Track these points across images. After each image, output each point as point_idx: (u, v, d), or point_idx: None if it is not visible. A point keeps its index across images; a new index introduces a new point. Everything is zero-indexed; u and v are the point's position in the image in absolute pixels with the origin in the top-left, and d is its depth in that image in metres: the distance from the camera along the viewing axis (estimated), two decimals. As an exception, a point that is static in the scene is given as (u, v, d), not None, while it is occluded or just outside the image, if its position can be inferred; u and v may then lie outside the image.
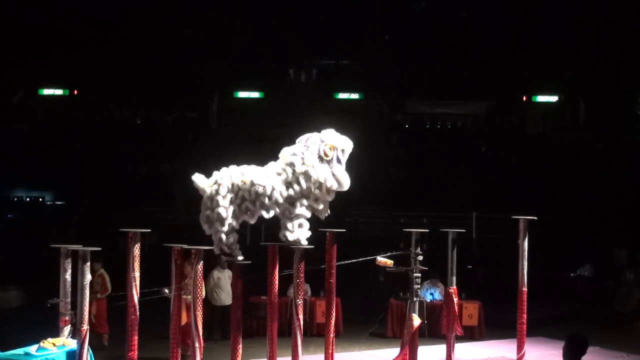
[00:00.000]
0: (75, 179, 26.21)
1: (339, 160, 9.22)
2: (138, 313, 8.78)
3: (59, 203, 26.76)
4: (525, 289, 10.79)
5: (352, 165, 9.42)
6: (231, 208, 8.93)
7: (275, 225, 9.50)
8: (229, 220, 8.92)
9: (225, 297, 13.72)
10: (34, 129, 30.06)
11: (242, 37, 32.49)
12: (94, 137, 29.16)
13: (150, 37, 31.23)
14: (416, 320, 10.36)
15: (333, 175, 9.11)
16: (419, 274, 10.51)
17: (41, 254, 18.96)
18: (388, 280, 15.35)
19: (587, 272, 20.00)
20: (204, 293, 11.38)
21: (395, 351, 10.94)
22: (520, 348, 10.88)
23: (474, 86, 32.60)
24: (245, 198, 8.95)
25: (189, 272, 9.36)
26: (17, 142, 28.62)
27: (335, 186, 9.11)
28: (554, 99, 33.45)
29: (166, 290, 9.95)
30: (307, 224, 9.05)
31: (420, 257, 10.44)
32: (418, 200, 24.59)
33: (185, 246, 9.13)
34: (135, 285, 8.76)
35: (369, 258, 10.66)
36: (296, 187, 8.96)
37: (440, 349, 11.78)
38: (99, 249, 8.96)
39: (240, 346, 9.10)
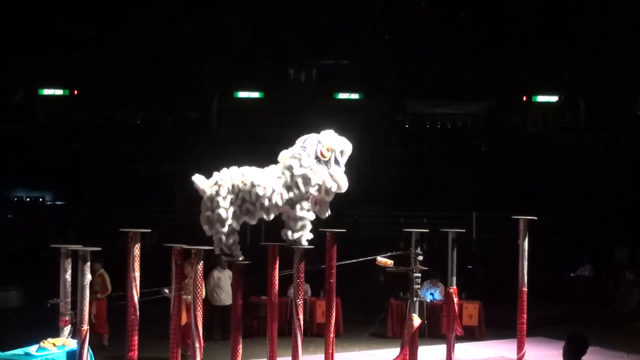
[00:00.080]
0: (75, 179, 26.20)
1: (337, 162, 9.22)
2: (138, 313, 8.78)
3: (59, 203, 26.76)
4: (525, 289, 10.79)
5: (352, 165, 9.43)
6: (231, 209, 8.92)
7: (276, 226, 9.51)
8: (229, 222, 8.91)
9: (226, 297, 13.72)
10: (34, 129, 30.05)
11: (242, 37, 32.49)
12: (94, 137, 29.15)
13: (150, 37, 31.23)
14: (416, 320, 10.36)
15: (331, 176, 9.12)
16: (419, 274, 10.52)
17: (41, 254, 18.97)
18: (388, 280, 15.35)
19: (587, 272, 20.00)
20: (204, 293, 11.38)
21: (395, 351, 10.94)
22: (520, 348, 10.89)
23: (474, 86, 32.60)
24: (246, 199, 8.94)
25: (189, 272, 9.35)
26: (17, 142, 28.61)
27: (333, 188, 9.11)
28: (554, 99, 33.45)
29: (166, 290, 9.94)
30: (310, 226, 9.07)
31: (420, 257, 10.45)
32: (418, 200, 24.58)
33: (185, 246, 9.13)
34: (136, 285, 8.76)
35: (369, 258, 10.67)
36: (295, 190, 8.97)
37: (441, 349, 11.78)
38: (99, 249, 8.96)
39: (241, 346, 9.10)
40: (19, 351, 9.04)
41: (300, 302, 9.11)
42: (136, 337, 8.80)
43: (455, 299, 10.92)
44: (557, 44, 30.96)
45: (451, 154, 28.24)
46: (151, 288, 9.62)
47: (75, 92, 32.53)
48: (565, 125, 32.37)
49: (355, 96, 33.02)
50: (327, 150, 9.16)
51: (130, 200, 24.49)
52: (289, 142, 9.36)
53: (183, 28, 32.15)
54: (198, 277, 8.88)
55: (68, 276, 8.85)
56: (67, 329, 8.98)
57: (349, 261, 10.51)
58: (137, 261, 8.76)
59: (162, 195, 24.71)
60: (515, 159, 28.43)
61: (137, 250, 8.75)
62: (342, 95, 33.02)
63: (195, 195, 9.18)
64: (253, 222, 9.17)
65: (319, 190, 9.05)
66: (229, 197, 8.92)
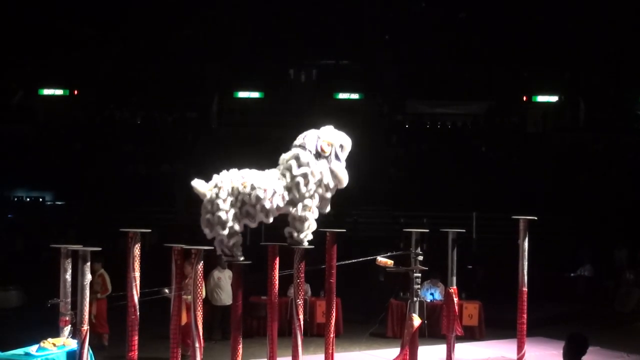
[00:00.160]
0: (75, 179, 26.21)
1: (337, 157, 9.23)
2: (138, 313, 8.77)
3: (59, 203, 26.76)
4: (525, 289, 10.79)
5: (352, 165, 9.42)
6: (232, 211, 8.91)
7: (276, 226, 9.51)
8: (230, 224, 8.91)
9: (226, 297, 13.72)
10: (34, 129, 30.05)
11: (242, 37, 32.50)
12: (94, 137, 29.16)
13: (150, 37, 31.23)
14: (416, 320, 10.36)
15: (331, 171, 9.12)
16: (419, 274, 10.52)
17: (41, 254, 18.97)
18: (388, 280, 15.35)
19: (587, 272, 20.00)
20: (204, 293, 11.38)
21: (395, 351, 10.94)
22: (520, 348, 10.89)
23: (474, 86, 32.61)
24: (246, 202, 8.93)
25: (189, 272, 9.35)
26: (17, 142, 28.61)
27: (331, 184, 9.11)
28: (554, 99, 33.46)
29: (166, 290, 9.94)
30: (314, 226, 9.07)
31: (421, 257, 10.45)
32: (418, 200, 24.58)
33: (185, 246, 9.13)
34: (136, 285, 8.75)
35: (369, 258, 10.66)
36: (296, 191, 8.96)
37: (441, 349, 11.78)
38: (99, 249, 8.96)
39: (241, 346, 9.10)
40: (19, 351, 9.04)
41: (300, 302, 9.12)
42: (136, 337, 8.80)
43: (456, 299, 10.92)
44: (557, 44, 30.96)
45: (451, 154, 28.24)
46: (151, 288, 9.62)
47: (75, 92, 32.54)
48: (565, 125, 32.38)
49: (355, 96, 33.02)
50: (328, 145, 9.16)
51: (130, 200, 24.50)
52: (289, 142, 9.36)
53: (183, 28, 32.16)
54: (198, 277, 8.88)
55: (68, 276, 8.85)
56: (67, 329, 8.98)
57: (349, 261, 10.50)
58: (137, 261, 8.76)
59: (162, 195, 24.72)
60: (515, 159, 28.44)
61: (137, 250, 8.75)
62: (342, 95, 33.03)
63: (195, 195, 9.18)
64: (253, 225, 9.16)
65: (320, 185, 9.05)
66: (229, 199, 8.91)
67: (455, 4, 32.48)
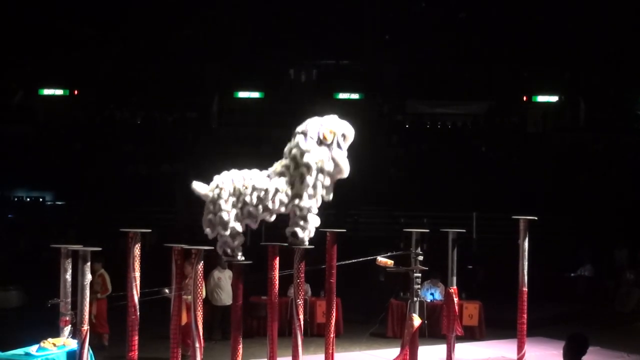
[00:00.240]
0: (75, 179, 26.19)
1: (339, 146, 9.20)
2: (138, 313, 8.78)
3: (59, 203, 26.75)
4: (525, 289, 10.80)
5: (352, 165, 9.41)
6: (234, 211, 8.92)
7: (276, 226, 9.51)
8: (232, 224, 8.91)
9: (226, 297, 13.72)
10: (34, 129, 30.04)
11: (242, 37, 32.49)
12: (94, 137, 29.15)
13: (150, 37, 31.22)
14: (416, 320, 10.37)
15: (332, 159, 9.09)
16: (419, 274, 10.53)
17: (41, 254, 18.96)
18: (388, 280, 15.35)
19: (588, 272, 20.00)
20: (204, 293, 11.37)
21: (395, 351, 10.94)
22: (520, 348, 10.89)
23: (474, 86, 32.58)
24: (247, 203, 8.93)
25: (189, 272, 9.36)
26: (17, 142, 28.59)
27: (335, 170, 9.07)
28: (554, 99, 33.43)
29: (166, 290, 9.95)
30: (317, 220, 9.04)
31: (421, 257, 10.45)
32: (418, 200, 24.57)
33: (185, 246, 9.14)
34: (136, 285, 8.76)
35: (369, 258, 10.66)
36: (300, 182, 8.93)
37: (441, 349, 11.79)
38: (99, 249, 8.96)
39: (241, 346, 9.11)
40: (19, 351, 9.04)
41: (300, 302, 9.12)
42: (136, 337, 8.80)
43: (456, 299, 10.93)
44: (557, 44, 30.95)
45: (451, 154, 28.23)
46: (151, 288, 9.63)
47: (76, 92, 32.51)
48: (565, 125, 32.35)
49: (355, 96, 32.99)
50: (330, 133, 9.13)
51: (130, 200, 24.49)
52: (289, 142, 9.34)
53: (183, 28, 32.14)
54: (198, 277, 8.89)
55: (68, 276, 8.86)
56: (68, 329, 8.99)
57: (349, 261, 10.50)
58: (137, 261, 8.77)
59: (162, 195, 24.71)
60: (515, 159, 28.43)
61: (137, 250, 8.75)
62: (342, 95, 33.00)
63: (196, 196, 9.18)
64: (255, 225, 9.16)
65: (321, 172, 9.01)
66: (231, 199, 8.92)
67: (455, 4, 32.47)
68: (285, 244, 9.26)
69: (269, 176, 9.10)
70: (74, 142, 28.99)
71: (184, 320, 10.04)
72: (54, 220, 24.07)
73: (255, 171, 9.15)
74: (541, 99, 33.35)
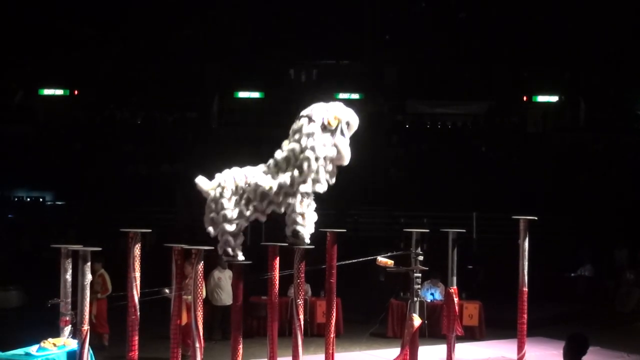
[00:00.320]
0: (76, 179, 26.19)
1: (342, 133, 9.18)
2: (138, 313, 8.78)
3: (59, 203, 26.74)
4: (525, 289, 10.80)
5: (352, 164, 9.41)
6: (236, 210, 8.92)
7: (277, 225, 9.50)
8: (235, 222, 8.90)
9: (226, 297, 13.72)
10: (34, 129, 30.04)
11: (242, 37, 32.49)
12: (94, 137, 29.14)
13: (150, 37, 31.22)
14: (417, 320, 10.37)
15: (335, 146, 9.06)
16: (420, 274, 10.53)
17: (42, 254, 18.96)
18: (388, 280, 15.35)
19: (588, 272, 20.00)
20: (204, 293, 11.37)
21: (395, 351, 10.95)
22: (520, 348, 10.89)
23: (474, 86, 32.59)
24: (251, 199, 8.93)
25: (189, 272, 9.36)
26: (17, 142, 28.60)
27: (336, 157, 9.05)
28: (554, 99, 33.44)
29: (167, 291, 9.95)
30: (314, 216, 9.03)
31: (421, 257, 10.45)
32: (418, 200, 24.56)
33: (185, 246, 9.14)
34: (136, 285, 8.76)
35: (369, 258, 10.66)
36: (306, 166, 8.87)
37: (441, 349, 11.78)
38: (100, 249, 8.95)
39: (241, 346, 9.11)
40: (20, 351, 9.04)
41: (300, 302, 9.12)
42: (136, 337, 8.80)
43: (456, 299, 10.93)
44: (557, 44, 30.95)
45: (451, 154, 28.22)
46: (151, 288, 9.63)
47: (76, 92, 32.53)
48: (565, 125, 32.35)
49: (355, 96, 32.99)
50: (334, 119, 9.10)
51: (130, 200, 24.47)
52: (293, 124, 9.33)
53: (183, 28, 32.15)
54: (198, 277, 8.89)
55: (68, 276, 8.86)
56: (68, 329, 8.99)
57: (350, 261, 10.50)
58: (138, 261, 8.77)
59: (162, 195, 24.70)
60: (515, 159, 28.42)
61: (137, 250, 8.75)
62: (342, 95, 32.97)
63: (196, 195, 9.18)
64: (264, 218, 9.15)
65: (324, 158, 8.99)
66: (233, 198, 8.91)
67: (455, 4, 32.47)
68: (286, 244, 9.26)
69: (269, 165, 9.06)
70: (74, 142, 28.98)
71: (184, 320, 10.04)
72: (54, 220, 24.06)
73: (258, 168, 9.14)
74: (541, 99, 33.35)
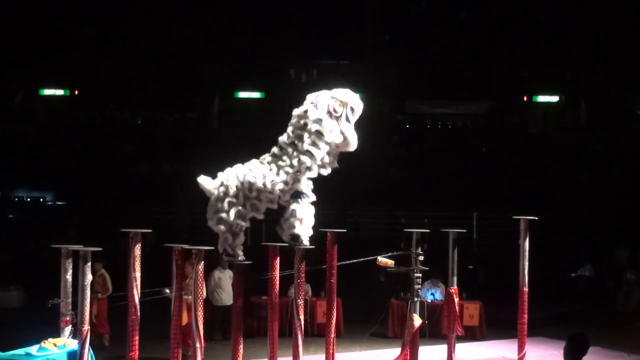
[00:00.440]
0: (76, 179, 26.19)
1: (347, 119, 9.18)
2: (139, 313, 8.78)
3: (60, 203, 26.75)
4: (526, 289, 10.80)
5: (353, 164, 9.41)
6: (239, 208, 8.91)
7: (277, 225, 9.50)
8: (237, 221, 8.90)
9: (226, 297, 13.73)
10: (35, 129, 30.06)
11: (242, 37, 32.47)
12: (94, 137, 29.16)
13: (150, 37, 31.21)
14: (417, 321, 10.37)
15: (341, 132, 9.07)
16: (420, 274, 10.53)
17: (42, 254, 18.96)
18: (389, 280, 15.34)
19: (588, 272, 20.00)
20: (204, 293, 11.36)
21: (396, 351, 10.95)
22: (521, 348, 10.89)
23: (474, 86, 32.59)
24: (248, 197, 8.93)
25: (189, 272, 9.36)
26: (18, 142, 28.63)
27: (342, 143, 9.05)
28: (554, 99, 33.45)
29: (167, 291, 9.95)
30: (311, 220, 9.03)
31: (421, 257, 10.45)
32: (418, 200, 24.56)
33: (186, 246, 9.14)
34: (136, 285, 8.76)
35: (369, 258, 10.67)
36: (315, 149, 8.86)
37: (441, 349, 11.79)
38: (100, 249, 8.95)
39: (241, 346, 9.11)
40: (20, 351, 9.04)
41: (300, 302, 9.12)
42: (137, 337, 8.80)
43: (456, 299, 10.93)
44: (557, 44, 30.94)
45: (451, 154, 28.23)
46: (152, 288, 9.63)
47: (76, 92, 32.54)
48: (565, 125, 32.38)
49: (355, 96, 32.96)
50: (340, 105, 9.11)
51: (130, 200, 24.48)
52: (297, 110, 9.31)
53: (183, 28, 32.13)
54: (199, 277, 8.89)
55: (69, 276, 8.86)
56: (68, 329, 8.98)
57: (350, 261, 10.51)
58: (138, 261, 8.77)
59: (162, 195, 24.71)
60: (515, 159, 28.43)
61: (137, 250, 8.75)
62: (342, 95, 32.96)
63: (196, 195, 9.18)
64: (260, 216, 9.15)
65: (329, 144, 8.99)
66: (238, 195, 8.91)
67: (455, 4, 32.47)
68: (286, 244, 9.26)
69: (273, 154, 9.10)
70: (74, 142, 29.00)
71: (185, 320, 10.04)
72: (55, 220, 24.07)
73: (259, 160, 9.14)
74: (541, 99, 33.37)
